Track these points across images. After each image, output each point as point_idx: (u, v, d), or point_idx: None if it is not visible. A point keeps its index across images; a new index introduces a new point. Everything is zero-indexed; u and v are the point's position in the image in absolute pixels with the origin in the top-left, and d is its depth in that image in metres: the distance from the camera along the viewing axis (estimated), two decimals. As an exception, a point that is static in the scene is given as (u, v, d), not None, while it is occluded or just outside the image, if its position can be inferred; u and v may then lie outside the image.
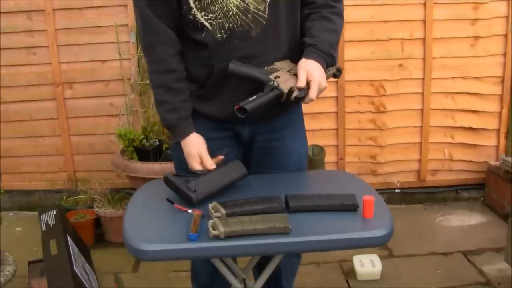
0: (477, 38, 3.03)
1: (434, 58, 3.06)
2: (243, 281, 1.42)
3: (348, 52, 3.05)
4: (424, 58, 3.06)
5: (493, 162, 3.18)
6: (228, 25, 1.47)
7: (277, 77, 1.44)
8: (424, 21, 3.00)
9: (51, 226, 2.26)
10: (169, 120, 1.57)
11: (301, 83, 1.41)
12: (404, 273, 2.49)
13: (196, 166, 1.52)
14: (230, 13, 1.47)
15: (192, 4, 1.47)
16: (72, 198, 3.05)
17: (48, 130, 3.21)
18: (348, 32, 3.01)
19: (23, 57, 3.09)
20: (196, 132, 1.57)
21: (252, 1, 1.47)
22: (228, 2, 1.46)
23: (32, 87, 3.14)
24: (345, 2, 2.93)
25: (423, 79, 3.09)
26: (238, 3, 1.46)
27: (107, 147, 3.17)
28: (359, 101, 3.14)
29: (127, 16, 3.01)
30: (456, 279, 2.41)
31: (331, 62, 1.50)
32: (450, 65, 3.07)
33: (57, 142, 3.23)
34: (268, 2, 1.47)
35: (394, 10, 3.00)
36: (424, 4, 2.98)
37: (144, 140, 2.80)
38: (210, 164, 1.51)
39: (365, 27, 3.03)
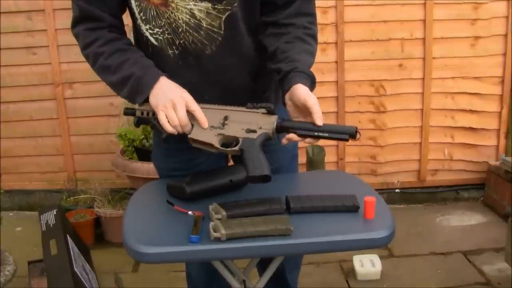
0: (477, 38, 3.03)
1: (434, 58, 3.05)
2: (243, 282, 1.42)
3: (348, 52, 3.04)
4: (424, 58, 3.05)
5: (493, 162, 3.18)
6: (179, 42, 1.36)
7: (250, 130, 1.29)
8: (424, 21, 3.00)
9: (51, 226, 2.25)
10: (135, 73, 1.30)
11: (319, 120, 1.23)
12: (404, 273, 2.49)
13: (181, 110, 1.25)
14: (180, 29, 1.34)
15: (137, 15, 1.37)
16: (72, 198, 3.05)
17: (48, 130, 3.21)
18: (348, 32, 3.02)
19: (23, 57, 3.09)
20: (167, 138, 1.32)
21: (204, 17, 1.32)
22: (177, 18, 1.32)
23: (32, 87, 3.13)
24: (345, 2, 2.98)
25: (423, 79, 3.09)
26: (187, 20, 1.32)
27: (107, 147, 3.17)
28: (359, 101, 3.14)
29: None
30: (456, 279, 2.41)
31: (312, 87, 1.30)
32: (450, 65, 3.07)
33: (57, 142, 3.23)
34: (223, 18, 1.33)
35: (394, 10, 3.00)
36: (424, 4, 2.98)
37: (144, 140, 2.79)
38: (199, 111, 1.27)
39: (365, 27, 3.02)
